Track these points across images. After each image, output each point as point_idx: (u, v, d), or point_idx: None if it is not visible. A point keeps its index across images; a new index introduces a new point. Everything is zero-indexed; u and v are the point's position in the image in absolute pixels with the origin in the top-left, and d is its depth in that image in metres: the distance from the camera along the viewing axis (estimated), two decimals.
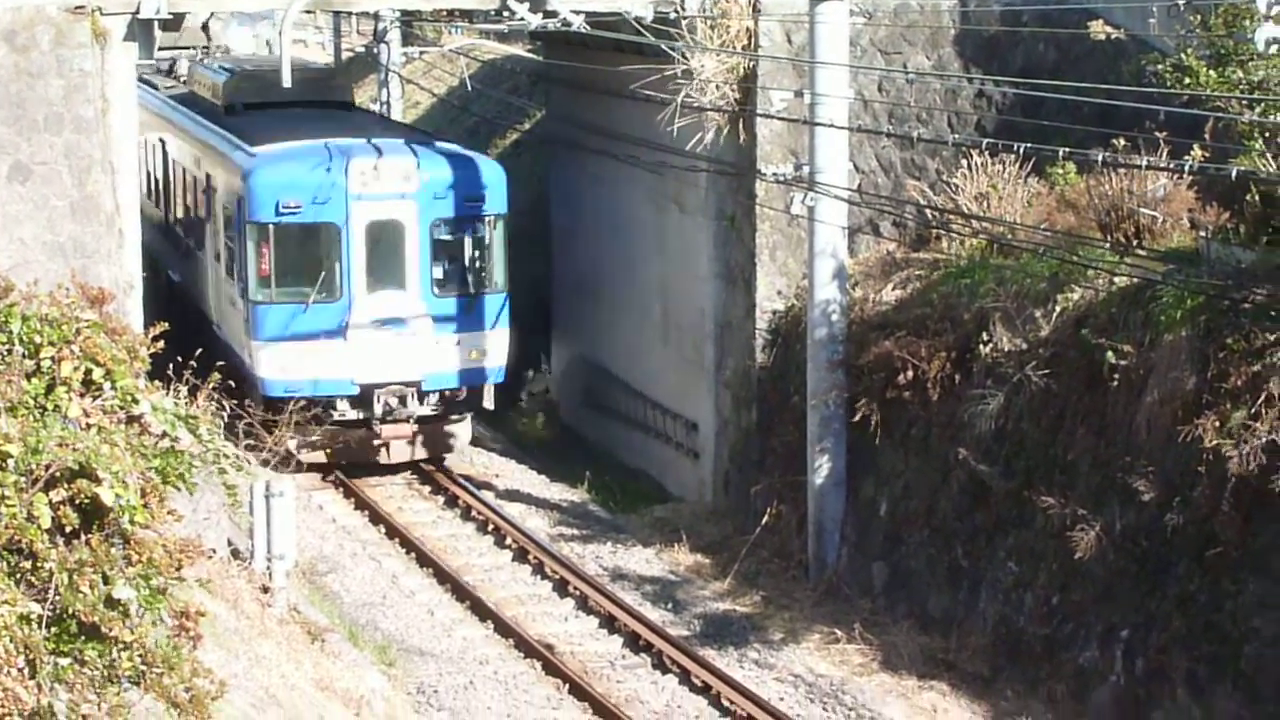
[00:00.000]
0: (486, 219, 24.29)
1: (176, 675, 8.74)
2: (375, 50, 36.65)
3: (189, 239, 30.65)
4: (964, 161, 24.79)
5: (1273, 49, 20.76)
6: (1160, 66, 22.22)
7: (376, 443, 24.05)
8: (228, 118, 29.44)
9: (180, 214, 31.54)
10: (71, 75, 23.35)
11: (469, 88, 35.83)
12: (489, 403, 27.50)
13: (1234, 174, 19.14)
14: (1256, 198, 20.15)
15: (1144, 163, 20.67)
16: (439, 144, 26.83)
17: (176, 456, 8.74)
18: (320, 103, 30.43)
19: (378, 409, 23.21)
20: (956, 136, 25.48)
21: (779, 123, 24.76)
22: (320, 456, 24.04)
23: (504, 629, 21.01)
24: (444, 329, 23.72)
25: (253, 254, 23.27)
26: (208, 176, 27.57)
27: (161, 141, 32.69)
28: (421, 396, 23.56)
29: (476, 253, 24.55)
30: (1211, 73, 20.92)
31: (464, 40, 36.05)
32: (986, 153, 23.91)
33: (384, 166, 23.03)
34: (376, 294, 23.31)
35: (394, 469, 26.67)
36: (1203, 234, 21.06)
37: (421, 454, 25.23)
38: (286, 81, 26.09)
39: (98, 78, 23.83)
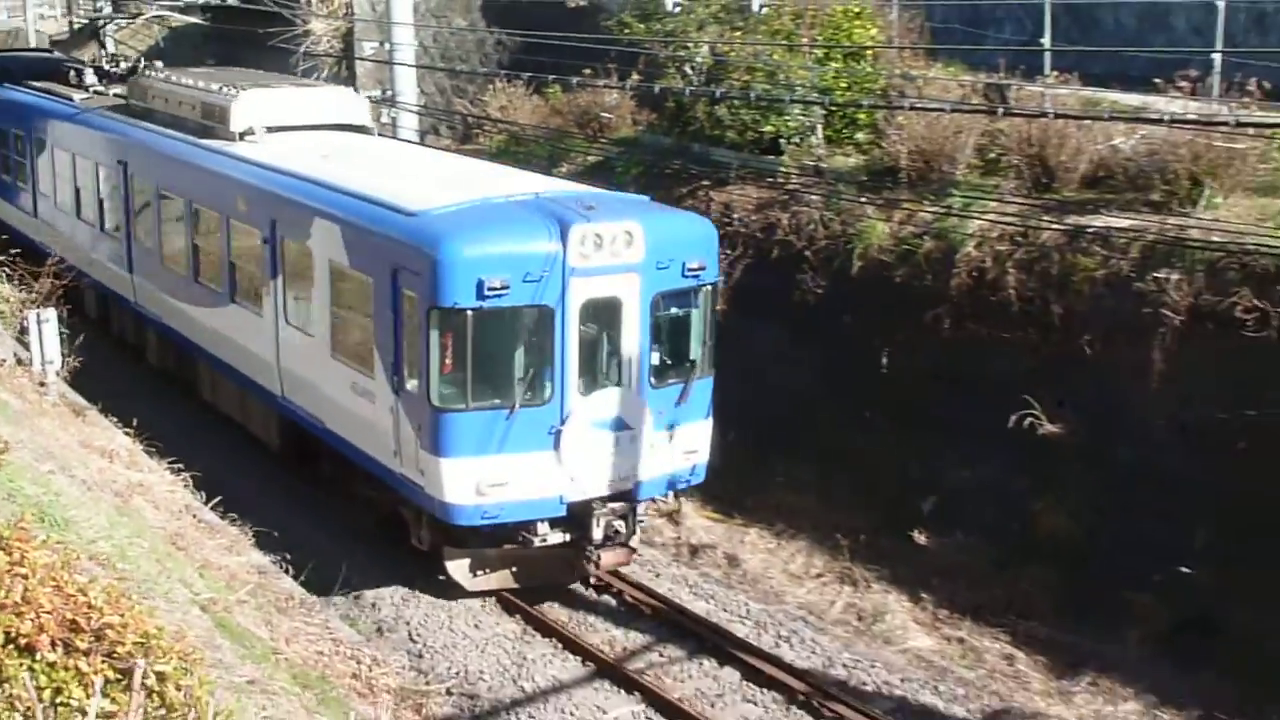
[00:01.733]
0: (704, 289, 17.35)
1: None
2: (99, 22, 36.49)
3: (210, 284, 21.87)
4: (490, 86, 29.67)
5: (676, 9, 26.14)
6: (610, 22, 27.03)
7: (589, 567, 17.06)
8: (247, 143, 22.02)
9: (188, 256, 22.60)
10: None
11: (160, 47, 35.49)
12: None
13: (657, 89, 24.27)
14: (672, 104, 25.29)
15: (602, 84, 26.11)
16: (647, 201, 18.75)
17: None
18: (338, 126, 23.12)
19: (596, 533, 16.51)
20: (484, 70, 30.33)
21: (370, 63, 29.36)
22: (495, 582, 17.41)
23: None
24: (660, 426, 17.02)
25: (435, 346, 15.79)
26: (276, 224, 19.36)
27: (123, 166, 24.89)
28: (635, 509, 17.08)
29: (694, 331, 17.64)
30: (641, 25, 26.08)
31: (158, 11, 35.77)
32: (504, 80, 28.93)
33: (606, 232, 16.12)
34: (592, 390, 16.60)
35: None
36: (640, 128, 26.88)
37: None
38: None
39: None
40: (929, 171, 21.01)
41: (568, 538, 16.61)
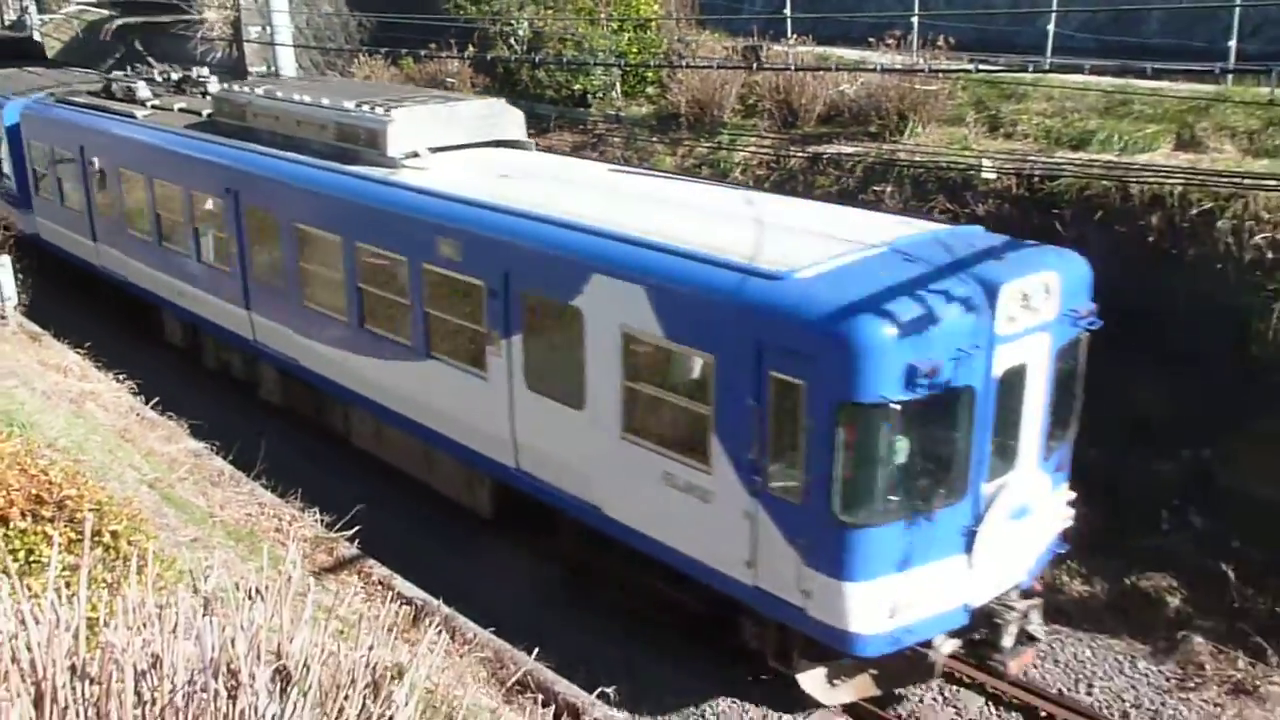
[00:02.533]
0: (1083, 337, 11.62)
1: None
2: (26, 18, 33.46)
3: (388, 334, 14.96)
4: (355, 60, 28.94)
5: None
6: (450, 4, 26.28)
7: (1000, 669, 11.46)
8: (412, 169, 14.99)
9: (350, 302, 15.42)
10: None
11: (80, 38, 33.62)
12: None
13: (489, 58, 24.40)
14: (501, 70, 25.18)
15: (446, 55, 25.59)
16: (1029, 242, 11.97)
17: None
18: (498, 143, 16.41)
19: (1007, 639, 11.25)
20: (350, 47, 29.58)
21: (255, 45, 28.52)
22: (855, 691, 11.94)
23: None
24: (1044, 501, 11.59)
25: (842, 448, 10.12)
26: (511, 276, 12.85)
27: (233, 194, 17.36)
28: (1039, 603, 11.77)
29: (1077, 387, 11.97)
30: (473, 6, 25.82)
31: (76, 6, 33.74)
32: (367, 54, 28.34)
33: (1030, 288, 10.79)
34: (998, 476, 11.18)
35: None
36: (478, 89, 25.68)
37: None
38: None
39: None
40: (703, 116, 21.23)
41: (960, 646, 11.37)
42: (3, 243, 21.20)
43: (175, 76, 23.75)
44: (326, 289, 16.04)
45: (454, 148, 15.68)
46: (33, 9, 30.21)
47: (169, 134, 19.42)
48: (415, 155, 15.20)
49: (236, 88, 19.54)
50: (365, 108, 15.97)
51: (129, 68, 26.62)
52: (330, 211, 15.63)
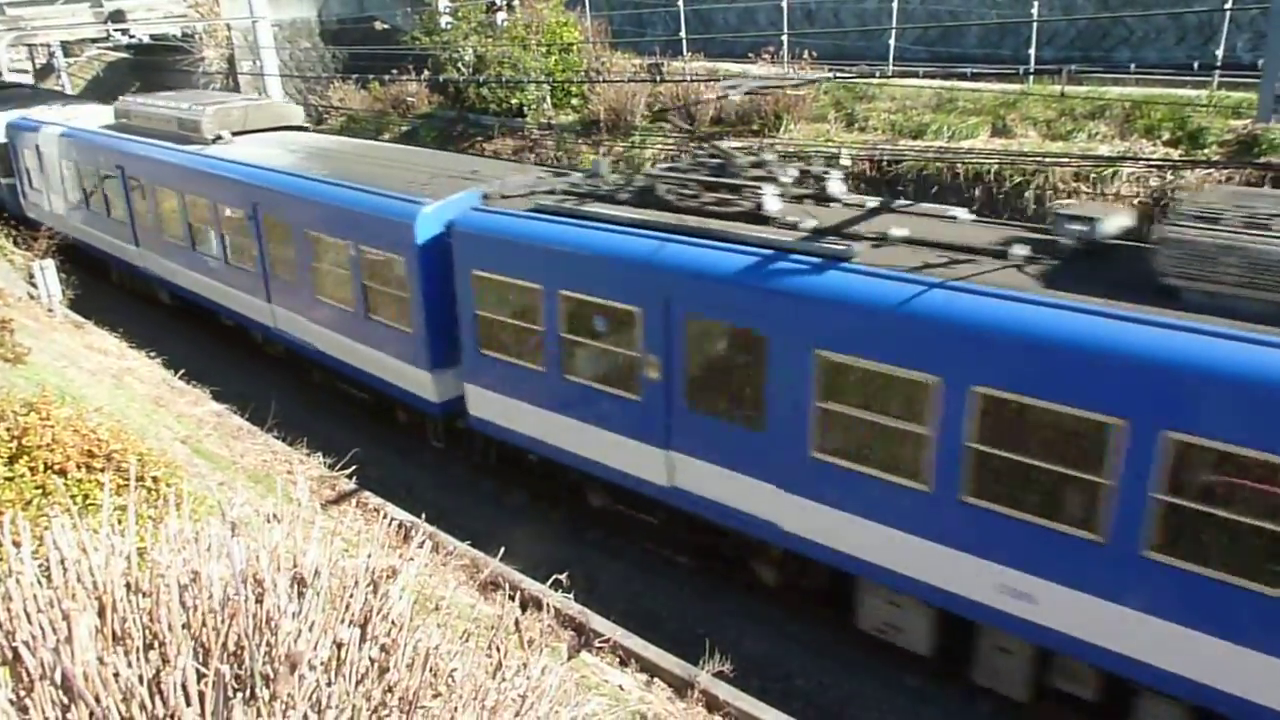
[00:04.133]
0: None
1: (4, 348, 10.66)
2: (53, 63, 31.95)
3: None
4: (331, 85, 28.23)
5: (449, 26, 25.18)
6: (406, 37, 25.85)
7: None
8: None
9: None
10: None
11: (101, 76, 32.12)
12: None
13: (441, 79, 24.08)
14: (452, 89, 24.62)
15: (405, 79, 25.03)
16: None
17: None
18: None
19: None
20: (326, 75, 28.90)
21: (248, 76, 27.89)
22: None
23: None
24: None
25: None
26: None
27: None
28: None
29: None
30: (427, 38, 25.03)
31: (95, 50, 32.40)
32: (340, 81, 27.80)
33: None
34: None
35: None
36: (433, 105, 25.36)
37: None
38: None
39: None
40: (619, 121, 21.07)
41: None
42: (47, 249, 20.21)
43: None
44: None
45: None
46: (59, 53, 28.73)
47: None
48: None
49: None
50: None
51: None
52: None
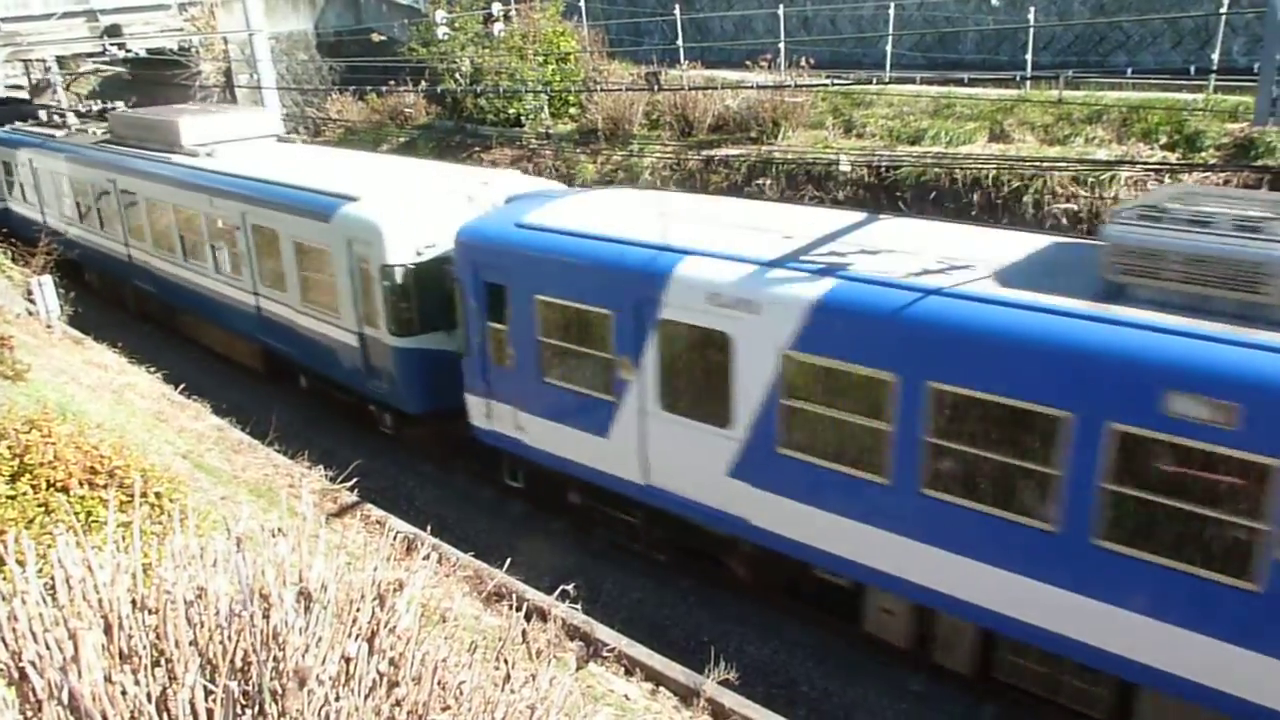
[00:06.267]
0: None
1: (4, 365, 10.16)
2: (49, 78, 30.67)
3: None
4: (328, 98, 28.48)
5: (446, 37, 25.01)
6: (404, 48, 26.12)
7: None
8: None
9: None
10: None
11: (98, 91, 31.74)
12: None
13: (439, 90, 24.07)
14: (450, 99, 24.66)
15: (403, 90, 25.15)
16: None
17: None
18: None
19: None
20: (323, 87, 29.16)
21: (246, 89, 27.69)
22: None
23: None
24: None
25: None
26: None
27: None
28: None
29: None
30: (424, 49, 25.16)
31: (92, 65, 31.69)
32: (337, 92, 27.99)
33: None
34: None
35: None
36: (431, 116, 25.17)
37: None
38: None
39: None
40: (616, 130, 21.12)
41: None
42: (45, 265, 19.93)
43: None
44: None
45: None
46: (55, 68, 28.47)
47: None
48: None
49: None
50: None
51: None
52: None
